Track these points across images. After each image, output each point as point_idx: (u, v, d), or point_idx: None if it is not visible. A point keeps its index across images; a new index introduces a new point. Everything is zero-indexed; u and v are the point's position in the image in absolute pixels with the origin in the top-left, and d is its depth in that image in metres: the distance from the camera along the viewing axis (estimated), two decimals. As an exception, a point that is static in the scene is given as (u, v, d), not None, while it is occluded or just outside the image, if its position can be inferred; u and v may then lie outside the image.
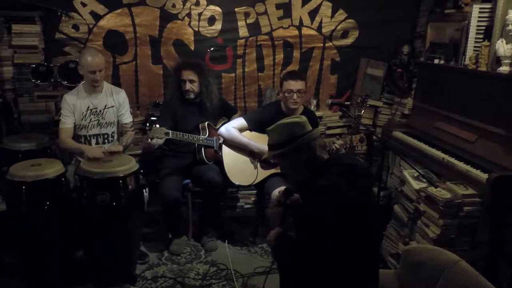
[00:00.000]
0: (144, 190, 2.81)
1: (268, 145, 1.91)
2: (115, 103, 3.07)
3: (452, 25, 3.36)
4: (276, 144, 1.84)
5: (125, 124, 3.12)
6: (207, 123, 3.29)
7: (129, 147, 3.20)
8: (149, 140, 2.87)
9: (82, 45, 3.46)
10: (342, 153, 2.18)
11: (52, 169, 2.55)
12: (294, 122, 1.84)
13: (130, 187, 2.65)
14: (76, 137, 3.01)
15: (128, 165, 2.68)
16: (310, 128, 1.85)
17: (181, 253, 3.18)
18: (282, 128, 1.84)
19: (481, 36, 3.04)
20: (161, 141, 3.02)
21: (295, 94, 3.12)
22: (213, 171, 3.17)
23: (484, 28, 3.02)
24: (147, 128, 2.84)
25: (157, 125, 2.84)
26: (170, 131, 2.93)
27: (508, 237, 2.47)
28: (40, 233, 2.53)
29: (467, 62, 3.08)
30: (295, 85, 3.12)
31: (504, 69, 2.77)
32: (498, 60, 2.83)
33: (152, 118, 2.88)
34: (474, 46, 3.07)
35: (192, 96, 3.26)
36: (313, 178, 1.74)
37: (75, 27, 3.43)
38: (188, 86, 3.22)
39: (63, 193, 2.62)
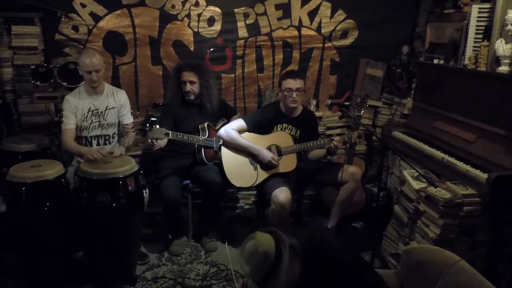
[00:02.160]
0: (144, 191, 2.80)
1: (256, 282, 1.69)
2: (116, 104, 3.07)
3: (451, 25, 3.36)
4: (263, 278, 1.65)
5: (126, 125, 3.12)
6: (207, 124, 3.29)
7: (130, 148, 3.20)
8: (149, 141, 2.87)
9: (82, 46, 3.46)
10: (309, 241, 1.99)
11: (52, 170, 2.56)
12: (259, 254, 1.63)
13: (130, 188, 2.65)
14: (77, 138, 3.01)
15: (128, 166, 2.68)
16: (272, 246, 1.63)
17: (181, 253, 3.18)
18: (256, 262, 1.65)
19: (480, 36, 3.04)
20: (163, 143, 3.02)
21: (294, 92, 3.13)
22: (213, 171, 3.16)
23: (483, 28, 3.02)
24: (147, 128, 2.84)
25: (157, 126, 2.84)
26: (170, 132, 2.92)
27: (508, 237, 2.47)
28: (40, 234, 2.54)
29: (466, 62, 3.08)
30: (294, 83, 3.13)
31: (503, 69, 2.77)
32: (497, 60, 2.83)
33: (152, 119, 2.88)
34: (474, 46, 3.07)
35: (192, 97, 3.26)
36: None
37: (75, 28, 3.43)
38: (188, 87, 3.22)
39: (63, 194, 2.63)
